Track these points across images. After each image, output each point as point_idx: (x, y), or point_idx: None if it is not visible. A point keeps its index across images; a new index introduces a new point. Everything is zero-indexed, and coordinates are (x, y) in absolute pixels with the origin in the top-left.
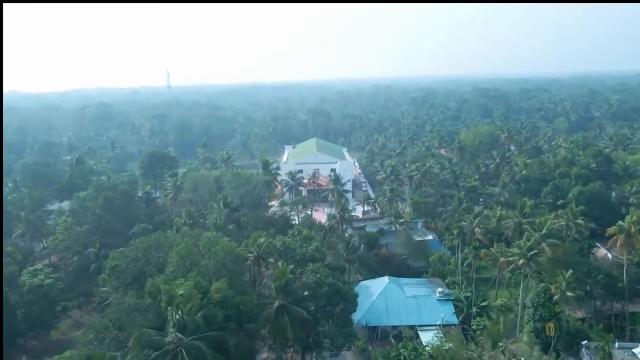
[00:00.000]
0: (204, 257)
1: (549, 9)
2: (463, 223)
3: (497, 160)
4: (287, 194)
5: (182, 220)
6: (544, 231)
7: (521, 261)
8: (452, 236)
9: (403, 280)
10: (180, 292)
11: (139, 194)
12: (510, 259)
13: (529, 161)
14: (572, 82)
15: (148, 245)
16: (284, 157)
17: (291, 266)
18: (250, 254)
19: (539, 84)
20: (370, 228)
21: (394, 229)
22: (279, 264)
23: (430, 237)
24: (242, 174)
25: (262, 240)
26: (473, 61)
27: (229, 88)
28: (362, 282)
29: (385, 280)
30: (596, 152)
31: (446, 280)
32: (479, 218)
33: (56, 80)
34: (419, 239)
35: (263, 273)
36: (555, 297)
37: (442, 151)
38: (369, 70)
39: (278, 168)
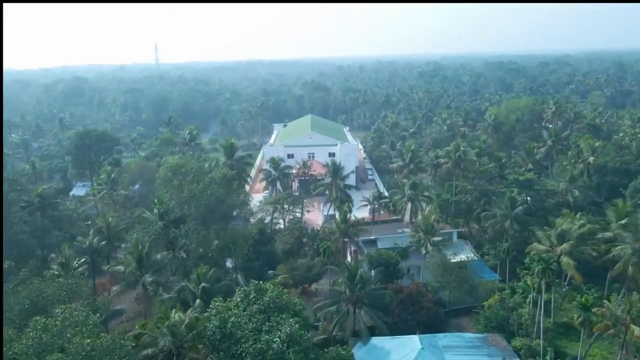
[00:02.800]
0: None
1: None
2: (540, 247)
3: (549, 143)
4: (269, 188)
5: (87, 242)
6: None
7: None
8: (528, 273)
9: (442, 339)
10: None
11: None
12: None
13: (597, 144)
14: (586, 58)
15: None
16: (272, 138)
17: None
18: (154, 348)
19: (556, 59)
20: (385, 243)
21: (424, 251)
22: None
23: (475, 258)
24: (186, 164)
25: (178, 316)
26: (476, 38)
27: (224, 65)
28: (377, 340)
29: (415, 343)
30: None
31: (513, 343)
32: (571, 241)
33: (47, 57)
34: (457, 259)
35: None
36: None
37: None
38: (369, 47)
39: (249, 156)
